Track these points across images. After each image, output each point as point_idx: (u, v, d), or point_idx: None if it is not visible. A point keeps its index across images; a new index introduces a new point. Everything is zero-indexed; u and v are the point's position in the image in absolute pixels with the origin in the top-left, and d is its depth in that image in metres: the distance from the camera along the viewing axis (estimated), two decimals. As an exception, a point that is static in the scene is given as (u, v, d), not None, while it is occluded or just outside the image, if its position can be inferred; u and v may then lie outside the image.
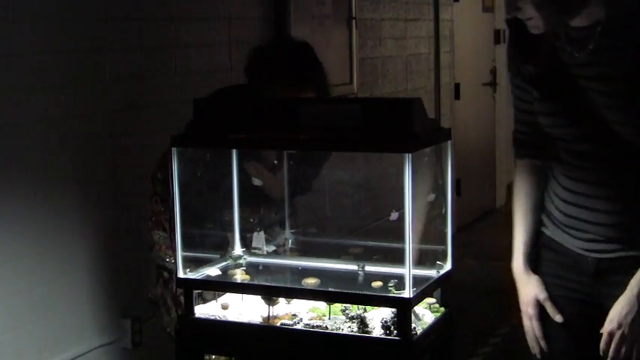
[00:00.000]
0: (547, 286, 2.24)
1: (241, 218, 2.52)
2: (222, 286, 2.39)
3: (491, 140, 7.95)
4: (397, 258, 2.16)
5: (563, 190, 2.15)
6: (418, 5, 6.24)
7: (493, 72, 7.81)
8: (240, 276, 2.40)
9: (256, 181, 2.59)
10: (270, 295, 2.30)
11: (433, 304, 2.33)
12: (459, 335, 2.42)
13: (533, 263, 2.28)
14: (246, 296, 2.39)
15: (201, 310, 2.36)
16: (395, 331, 2.13)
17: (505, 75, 7.94)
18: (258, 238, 2.34)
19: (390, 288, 2.19)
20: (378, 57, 5.63)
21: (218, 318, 2.33)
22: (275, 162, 2.63)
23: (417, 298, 2.17)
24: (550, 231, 2.23)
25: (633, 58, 1.91)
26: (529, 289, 2.26)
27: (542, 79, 2.09)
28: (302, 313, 2.31)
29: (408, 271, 2.11)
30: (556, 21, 1.94)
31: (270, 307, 2.30)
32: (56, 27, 3.23)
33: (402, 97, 5.38)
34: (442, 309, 2.35)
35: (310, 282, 2.29)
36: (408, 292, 2.11)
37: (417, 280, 2.16)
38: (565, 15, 1.94)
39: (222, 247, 2.52)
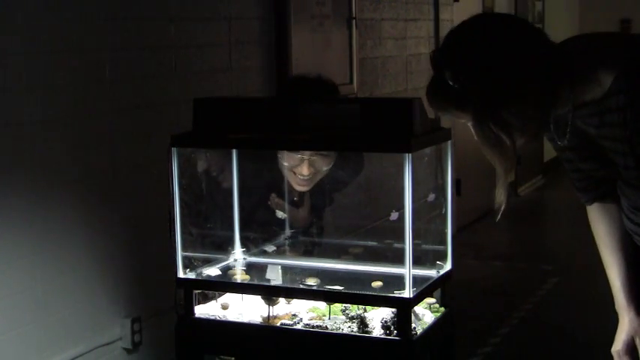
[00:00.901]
0: None
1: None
2: (222, 286, 2.39)
3: (492, 140, 7.94)
4: (397, 258, 2.16)
5: (624, 208, 2.11)
6: (418, 5, 6.23)
7: (493, 72, 7.80)
8: (240, 276, 2.40)
9: (279, 214, 2.61)
10: (270, 295, 2.30)
11: (433, 304, 2.33)
12: (459, 335, 2.42)
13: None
14: (246, 296, 2.39)
15: (201, 310, 2.36)
16: (395, 331, 2.13)
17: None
18: (274, 271, 2.35)
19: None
20: (378, 57, 5.63)
21: (218, 318, 2.33)
22: (295, 199, 2.65)
23: (417, 298, 2.17)
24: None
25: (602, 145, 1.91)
26: (625, 326, 2.18)
27: (570, 147, 2.06)
28: (302, 313, 2.31)
29: (408, 271, 2.11)
30: (543, 116, 1.90)
31: (270, 307, 2.30)
32: (56, 27, 3.23)
33: (402, 97, 5.37)
34: (442, 309, 2.35)
35: (310, 282, 2.29)
36: (408, 292, 2.11)
37: (417, 280, 2.17)
38: (546, 109, 1.90)
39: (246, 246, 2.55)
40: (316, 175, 2.57)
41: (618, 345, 2.18)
